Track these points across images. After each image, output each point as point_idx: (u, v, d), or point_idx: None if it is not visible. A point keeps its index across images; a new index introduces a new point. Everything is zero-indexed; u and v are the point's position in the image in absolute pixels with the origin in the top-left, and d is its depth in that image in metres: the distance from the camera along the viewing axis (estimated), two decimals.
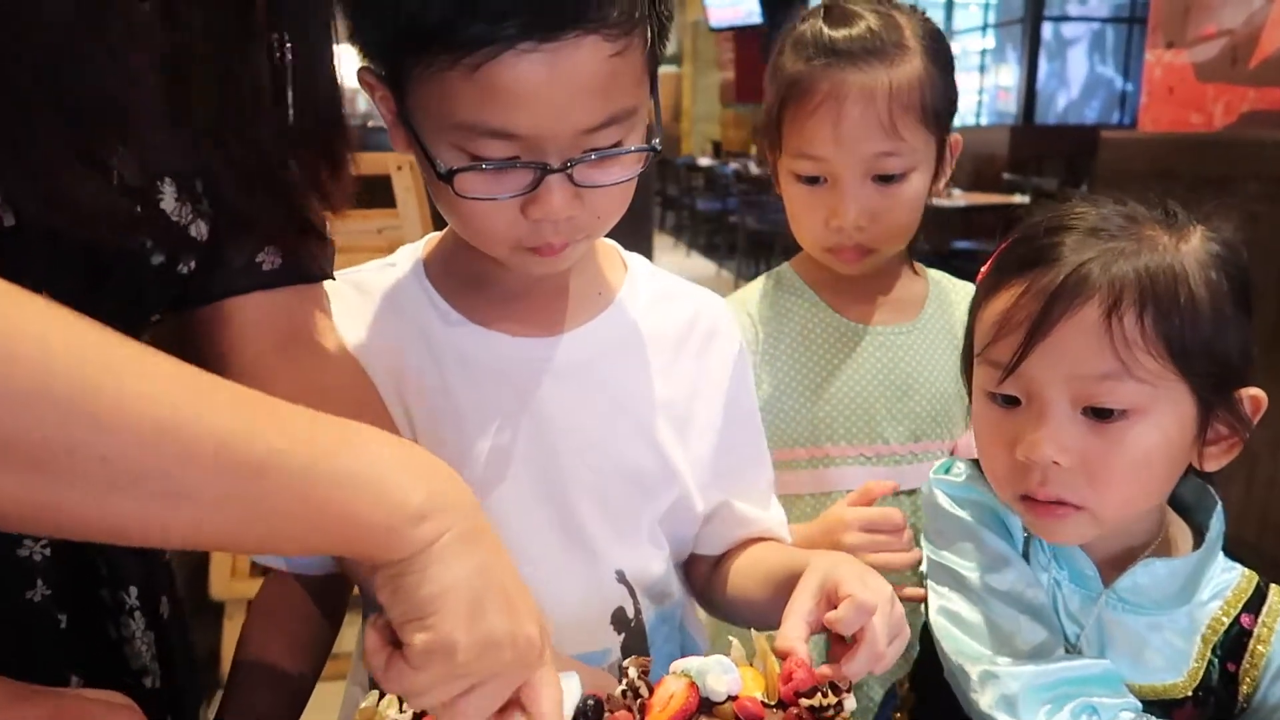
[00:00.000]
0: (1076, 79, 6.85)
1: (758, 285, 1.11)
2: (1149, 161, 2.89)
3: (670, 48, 0.78)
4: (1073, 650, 0.74)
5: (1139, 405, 0.68)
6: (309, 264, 0.73)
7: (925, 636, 0.84)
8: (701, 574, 0.91)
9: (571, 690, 0.60)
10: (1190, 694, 0.75)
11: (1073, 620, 0.76)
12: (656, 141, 0.72)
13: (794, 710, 0.62)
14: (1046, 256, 0.71)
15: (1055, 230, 0.72)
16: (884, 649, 0.66)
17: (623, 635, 0.82)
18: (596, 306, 0.83)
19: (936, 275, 1.13)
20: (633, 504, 0.82)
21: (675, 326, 0.87)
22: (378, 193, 2.10)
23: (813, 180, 1.00)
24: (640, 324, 0.85)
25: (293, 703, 0.76)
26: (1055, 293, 0.69)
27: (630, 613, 0.82)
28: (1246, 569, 0.80)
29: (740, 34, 10.16)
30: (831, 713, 0.60)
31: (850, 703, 0.61)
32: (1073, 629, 0.76)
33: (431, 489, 0.49)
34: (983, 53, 7.83)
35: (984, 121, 7.60)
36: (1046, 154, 5.96)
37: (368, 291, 0.82)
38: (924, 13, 1.03)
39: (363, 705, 0.59)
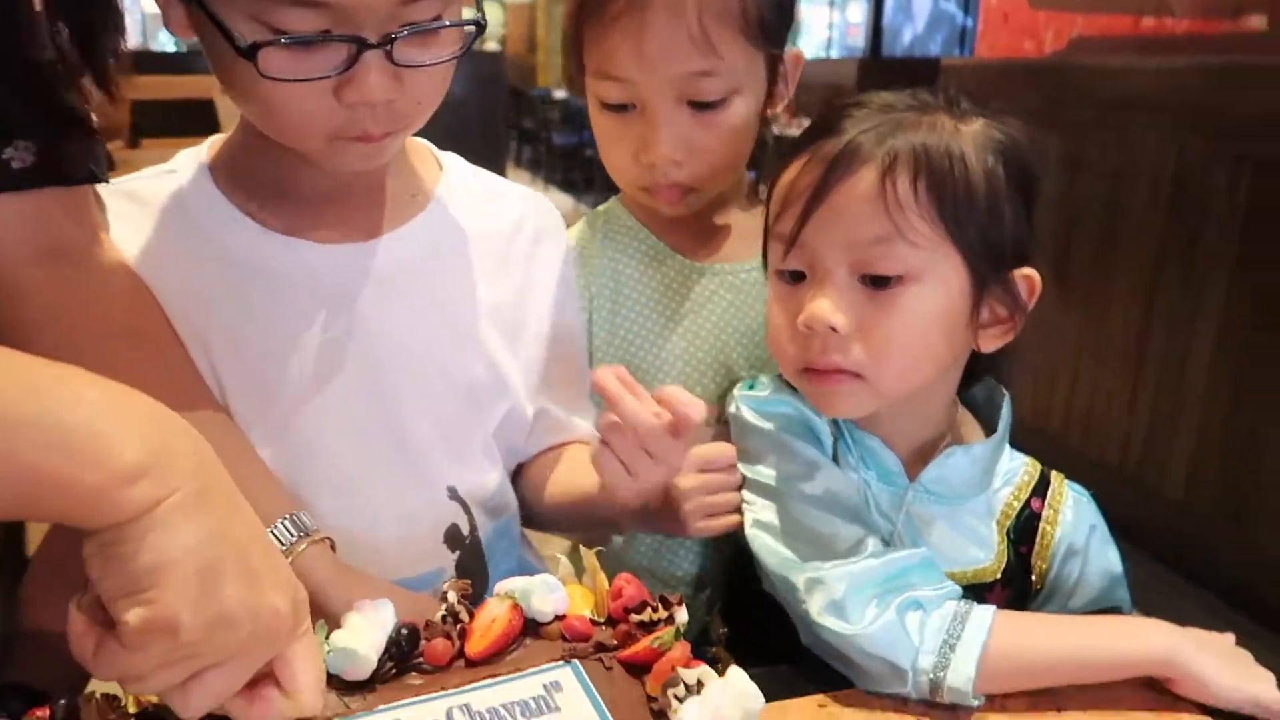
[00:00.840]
0: (921, 14, 7.02)
1: (583, 225, 0.98)
2: (985, 87, 2.96)
3: None
4: (889, 546, 0.75)
5: (913, 270, 0.69)
6: (70, 164, 0.64)
7: (731, 569, 0.84)
8: (518, 482, 0.88)
9: (384, 619, 0.55)
10: (999, 576, 0.78)
11: (885, 517, 0.77)
12: (481, 16, 0.66)
13: (623, 627, 0.59)
14: (832, 127, 0.71)
15: (846, 106, 0.73)
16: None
17: (457, 553, 0.78)
18: (412, 208, 0.78)
19: None
20: (464, 417, 0.78)
21: (501, 227, 0.82)
22: (199, 119, 1.95)
23: (620, 108, 0.85)
24: (463, 225, 0.80)
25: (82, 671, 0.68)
26: (834, 159, 0.69)
27: (465, 530, 0.79)
28: (1030, 458, 0.84)
29: None
30: (662, 627, 0.58)
31: (681, 615, 0.59)
32: (886, 526, 0.77)
33: (151, 443, 0.42)
34: None
35: (834, 55, 7.73)
36: (892, 84, 6.10)
37: (143, 201, 0.73)
38: None
39: None
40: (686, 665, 0.53)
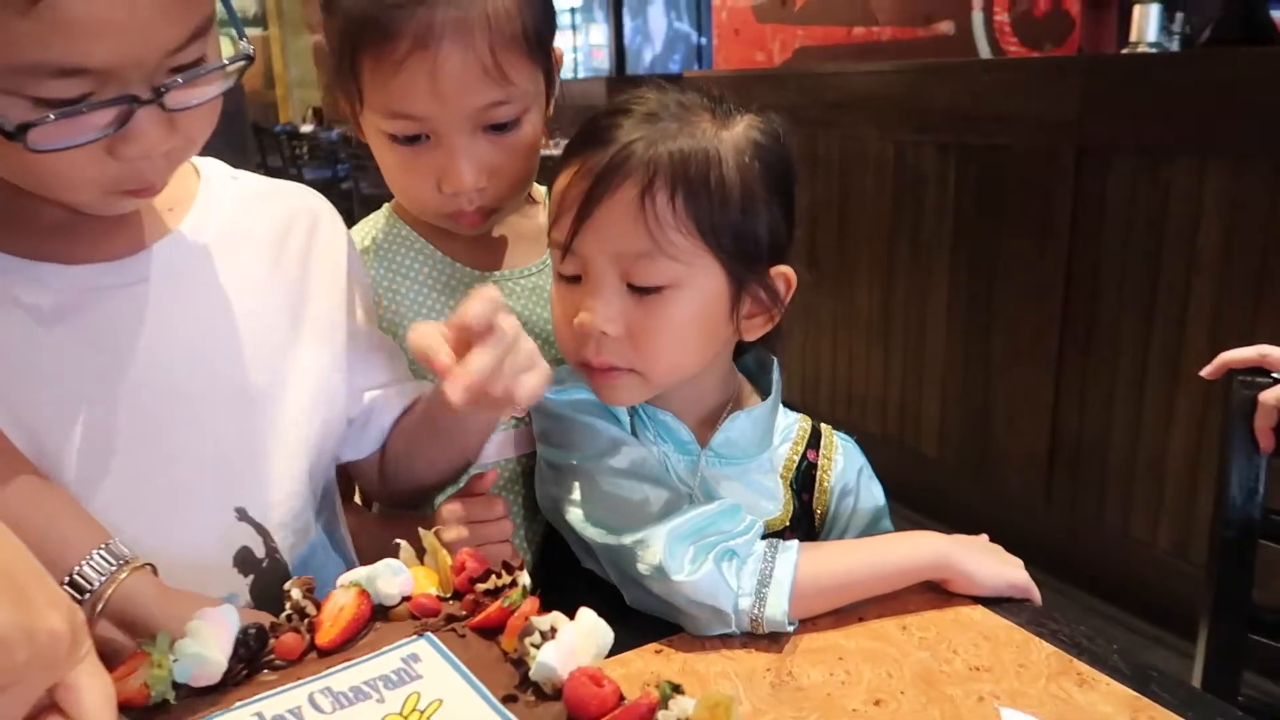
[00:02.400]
0: (658, 34, 7.36)
1: (356, 238, 0.93)
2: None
3: (252, 8, 0.71)
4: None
5: (674, 280, 0.75)
6: None
7: (544, 554, 0.88)
8: (373, 473, 0.86)
9: (228, 622, 0.55)
10: (787, 524, 0.87)
11: (684, 484, 0.83)
12: (246, 45, 0.65)
13: (470, 598, 0.61)
14: (602, 138, 0.76)
15: (615, 113, 0.77)
16: (511, 340, 0.65)
17: (250, 577, 0.73)
18: (170, 220, 0.74)
19: None
20: (249, 429, 0.74)
21: (271, 226, 0.80)
22: None
23: (412, 139, 0.84)
24: (227, 229, 0.77)
25: None
26: (600, 173, 0.74)
27: (260, 552, 0.74)
28: (804, 414, 0.94)
29: None
30: (508, 592, 0.60)
31: (524, 578, 0.62)
32: (685, 491, 0.83)
33: None
34: (572, 11, 8.14)
35: (581, 75, 7.95)
36: None
37: None
38: None
39: None
40: (538, 615, 0.57)
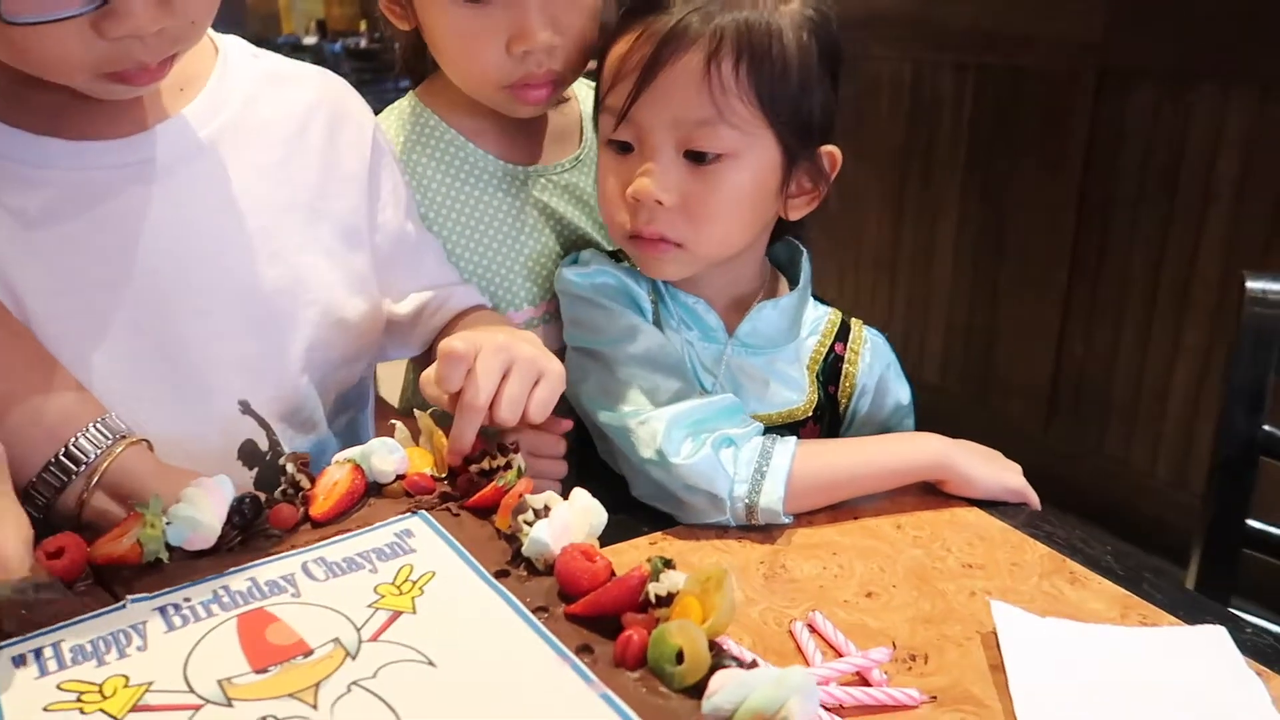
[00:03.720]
0: None
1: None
2: None
3: None
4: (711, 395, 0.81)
5: (732, 149, 0.75)
6: None
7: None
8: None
9: (224, 491, 0.54)
10: (810, 414, 0.86)
11: (708, 371, 0.83)
12: None
13: (463, 478, 0.61)
14: (662, 3, 0.75)
15: None
16: (482, 402, 0.63)
17: (255, 470, 0.73)
18: (182, 99, 0.71)
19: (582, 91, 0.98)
20: (256, 324, 0.72)
21: (291, 111, 0.77)
22: None
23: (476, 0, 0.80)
24: (244, 112, 0.74)
25: None
26: (664, 38, 0.73)
27: (264, 445, 0.73)
28: (833, 307, 0.93)
29: None
30: (503, 473, 0.60)
31: (519, 460, 0.61)
32: (709, 379, 0.83)
33: None
34: None
35: None
36: None
37: None
38: None
39: None
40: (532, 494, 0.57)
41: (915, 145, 2.65)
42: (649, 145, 0.75)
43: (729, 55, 0.72)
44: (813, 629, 0.62)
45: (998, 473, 0.80)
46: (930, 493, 0.80)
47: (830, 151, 0.80)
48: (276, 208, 0.74)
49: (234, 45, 0.77)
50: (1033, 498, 0.80)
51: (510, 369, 0.65)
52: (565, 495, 0.56)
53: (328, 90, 0.81)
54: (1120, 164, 2.17)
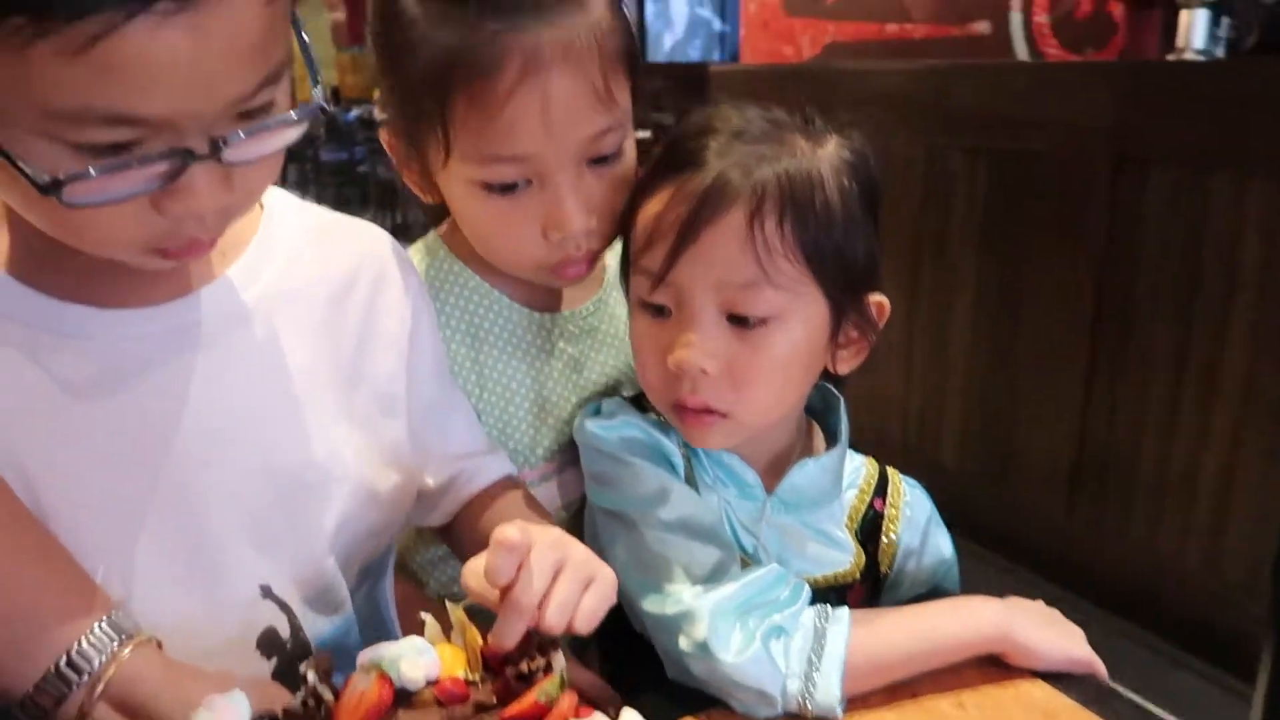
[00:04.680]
0: (680, 19, 7.28)
1: None
2: (752, 92, 3.12)
3: None
4: (751, 561, 0.76)
5: (778, 311, 0.71)
6: None
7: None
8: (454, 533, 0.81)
9: (238, 712, 0.50)
10: (858, 576, 0.81)
11: (747, 532, 0.78)
12: (318, 93, 0.56)
13: (500, 682, 0.57)
14: (694, 160, 0.71)
15: (702, 133, 0.72)
16: (533, 600, 0.57)
17: (274, 660, 0.68)
18: (226, 259, 0.68)
19: None
20: (283, 502, 0.68)
21: (336, 271, 0.73)
22: None
23: (509, 188, 0.75)
24: (286, 275, 0.70)
25: None
26: (702, 197, 0.69)
27: (284, 631, 0.68)
28: (868, 456, 0.88)
29: None
30: (542, 676, 0.56)
31: (559, 661, 0.57)
32: (749, 540, 0.78)
33: None
34: None
35: None
36: (661, 90, 6.32)
37: None
38: None
39: None
40: (578, 715, 0.52)
41: (928, 227, 2.64)
42: (689, 309, 0.71)
43: (772, 212, 0.68)
44: None
45: (1062, 643, 0.75)
46: (988, 660, 0.75)
47: (878, 301, 0.77)
48: (316, 374, 0.70)
49: (280, 201, 0.74)
50: (1100, 668, 0.75)
51: (562, 569, 0.60)
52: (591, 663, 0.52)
53: (373, 249, 0.77)
54: (1140, 246, 2.15)
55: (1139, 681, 0.66)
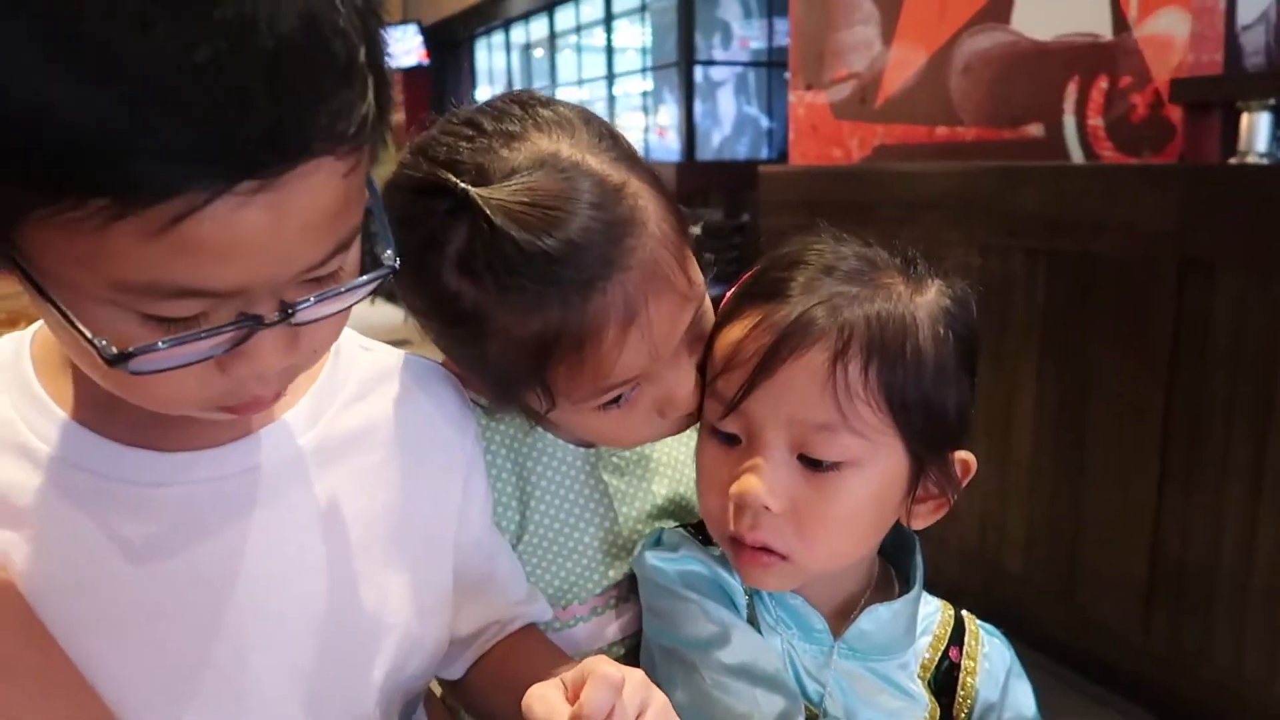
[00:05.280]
0: (727, 117, 7.42)
1: None
2: (801, 193, 3.15)
3: None
4: (818, 711, 0.72)
5: (853, 458, 0.67)
6: None
7: None
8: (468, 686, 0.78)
9: None
10: None
11: (812, 678, 0.74)
12: (390, 256, 0.56)
13: None
14: (782, 291, 0.68)
15: (794, 264, 0.70)
16: None
17: None
18: (287, 401, 0.67)
19: None
20: (335, 657, 0.66)
21: (394, 410, 0.72)
22: None
23: (617, 399, 0.73)
24: (350, 413, 0.69)
25: None
26: (785, 330, 0.66)
27: None
28: (943, 600, 0.83)
29: (408, 75, 9.97)
30: None
31: None
32: (814, 687, 0.74)
33: None
34: (643, 94, 8.27)
35: (651, 157, 8.06)
36: (709, 187, 6.39)
37: None
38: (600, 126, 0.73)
39: None
40: None
41: (988, 329, 2.58)
42: (761, 442, 0.68)
43: (857, 356, 0.65)
44: None
45: None
46: None
47: (964, 459, 0.72)
48: (369, 520, 0.69)
49: (346, 341, 0.72)
50: None
51: (645, 712, 0.57)
52: None
53: (434, 388, 0.76)
54: (1209, 353, 2.08)
55: None
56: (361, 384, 0.72)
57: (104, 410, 0.62)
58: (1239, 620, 2.08)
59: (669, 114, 7.90)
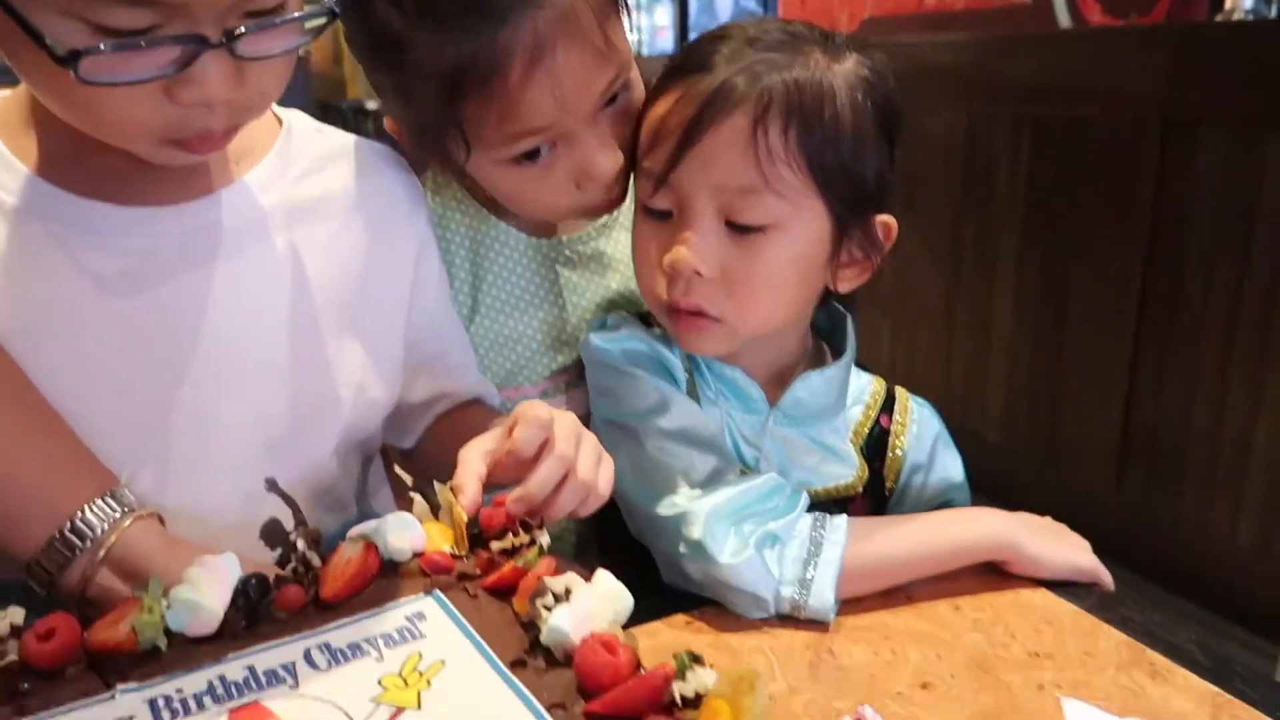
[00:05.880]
0: (724, 12, 7.25)
1: None
2: None
3: None
4: (751, 472, 0.76)
5: (778, 220, 0.70)
6: None
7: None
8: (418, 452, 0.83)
9: (228, 572, 0.52)
10: (860, 489, 0.81)
11: (749, 444, 0.78)
12: (332, 2, 0.59)
13: (485, 555, 0.58)
14: (704, 63, 0.70)
15: (718, 39, 0.72)
16: (572, 454, 0.62)
17: (277, 551, 0.66)
18: (243, 168, 0.71)
19: None
20: (292, 404, 0.71)
21: (349, 187, 0.76)
22: None
23: (533, 154, 0.75)
24: (300, 188, 0.73)
25: None
26: (707, 99, 0.69)
27: (289, 525, 0.67)
28: (876, 375, 0.87)
29: None
30: (526, 551, 0.57)
31: (544, 538, 0.58)
32: (751, 453, 0.78)
33: None
34: None
35: (645, 53, 7.91)
36: None
37: None
38: None
39: None
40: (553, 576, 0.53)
41: (971, 200, 2.59)
42: (689, 211, 0.71)
43: (777, 119, 0.68)
44: None
45: (1066, 550, 0.74)
46: (989, 569, 0.74)
47: (885, 221, 0.75)
48: (328, 288, 0.73)
49: (298, 119, 0.77)
50: (1105, 578, 0.74)
51: (581, 442, 0.63)
52: (590, 569, 0.53)
53: (386, 169, 0.79)
54: (1190, 214, 2.09)
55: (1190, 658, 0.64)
56: (317, 159, 0.75)
57: (66, 164, 0.64)
58: (1209, 479, 2.14)
59: (664, 13, 7.73)
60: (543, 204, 0.81)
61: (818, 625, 0.68)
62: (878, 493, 0.83)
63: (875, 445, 0.83)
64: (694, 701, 0.43)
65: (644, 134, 0.75)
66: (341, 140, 0.79)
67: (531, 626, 0.51)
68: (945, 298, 2.70)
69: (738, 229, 0.70)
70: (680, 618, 0.69)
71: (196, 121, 0.58)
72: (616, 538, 0.78)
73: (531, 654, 0.49)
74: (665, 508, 0.71)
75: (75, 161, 0.64)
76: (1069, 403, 2.44)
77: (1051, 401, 2.49)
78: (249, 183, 0.71)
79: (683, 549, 0.69)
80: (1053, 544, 0.74)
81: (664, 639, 0.66)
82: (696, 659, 0.45)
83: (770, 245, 0.71)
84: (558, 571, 0.53)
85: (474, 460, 0.62)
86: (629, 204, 0.91)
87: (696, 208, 0.71)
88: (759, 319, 0.74)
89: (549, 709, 0.45)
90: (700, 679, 0.44)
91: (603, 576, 0.52)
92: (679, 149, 0.69)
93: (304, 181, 0.74)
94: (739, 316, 0.73)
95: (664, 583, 0.73)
